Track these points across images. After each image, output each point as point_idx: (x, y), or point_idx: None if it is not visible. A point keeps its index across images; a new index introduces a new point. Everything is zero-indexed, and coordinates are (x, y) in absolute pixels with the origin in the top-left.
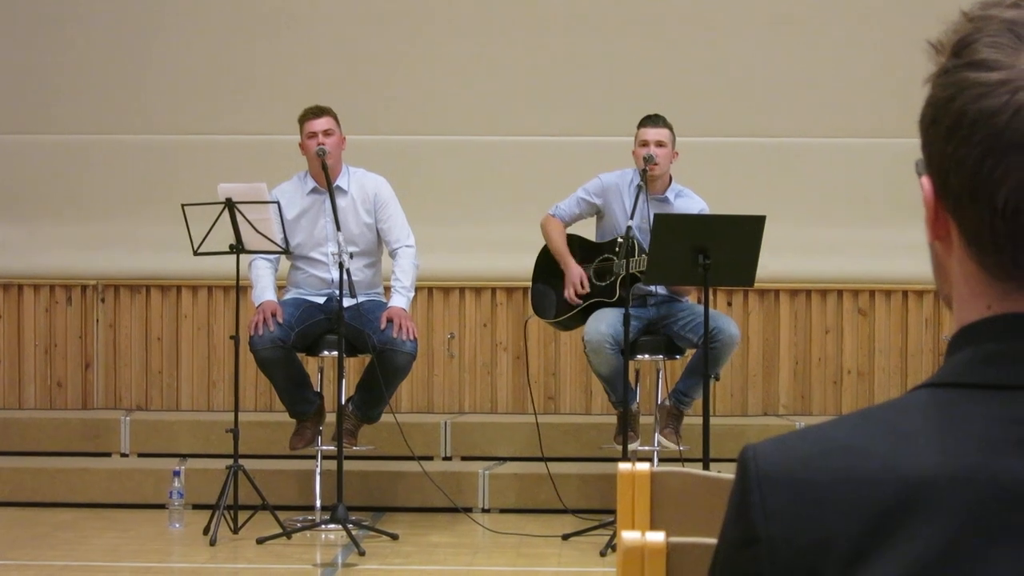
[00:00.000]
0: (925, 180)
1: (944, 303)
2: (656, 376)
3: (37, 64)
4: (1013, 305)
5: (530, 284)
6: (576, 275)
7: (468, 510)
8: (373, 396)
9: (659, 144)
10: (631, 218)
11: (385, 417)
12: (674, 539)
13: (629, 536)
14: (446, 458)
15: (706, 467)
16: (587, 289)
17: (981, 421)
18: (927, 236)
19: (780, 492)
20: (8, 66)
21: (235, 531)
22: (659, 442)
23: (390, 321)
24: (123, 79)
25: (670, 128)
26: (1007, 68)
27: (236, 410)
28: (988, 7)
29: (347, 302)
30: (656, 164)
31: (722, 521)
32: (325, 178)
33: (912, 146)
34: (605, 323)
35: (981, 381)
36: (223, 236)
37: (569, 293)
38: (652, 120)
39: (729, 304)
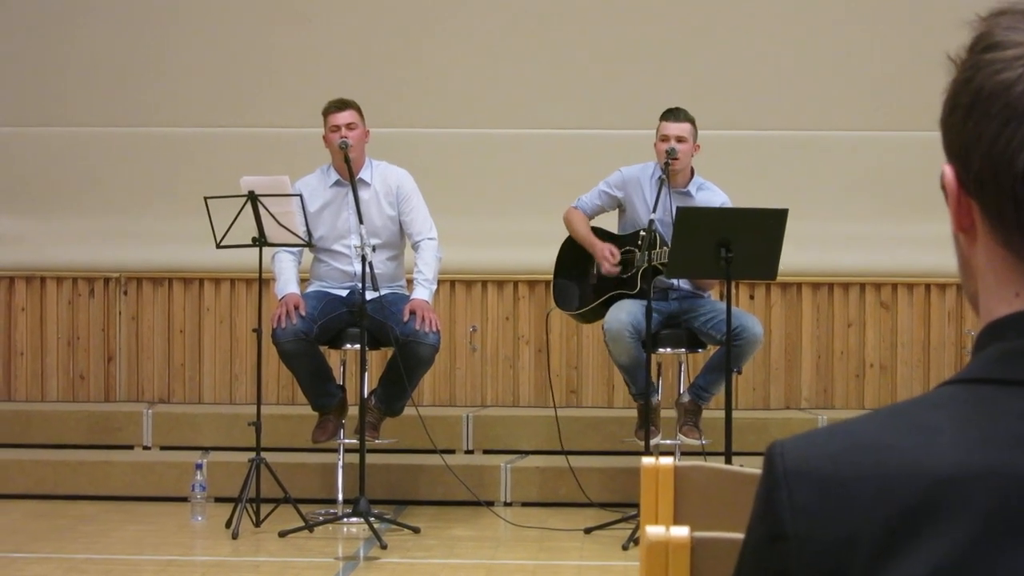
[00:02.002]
0: (947, 168)
1: (969, 302)
2: (678, 369)
3: (59, 56)
4: None
5: (552, 277)
6: (605, 248)
7: (490, 503)
8: (396, 389)
9: (680, 139)
10: (653, 211)
11: (407, 410)
12: (698, 534)
13: (653, 531)
14: (468, 451)
15: (728, 460)
16: (619, 258)
17: (1008, 417)
18: (952, 227)
19: (807, 489)
20: (30, 58)
21: (257, 524)
22: (681, 439)
23: (413, 313)
24: (145, 71)
25: (691, 122)
26: (1022, 45)
27: (258, 403)
28: (1002, 6)
29: (370, 295)
30: (677, 159)
31: (749, 517)
32: (348, 171)
33: (936, 139)
34: (626, 312)
35: (1008, 377)
36: (246, 229)
37: (605, 267)
38: (673, 114)
39: (751, 297)
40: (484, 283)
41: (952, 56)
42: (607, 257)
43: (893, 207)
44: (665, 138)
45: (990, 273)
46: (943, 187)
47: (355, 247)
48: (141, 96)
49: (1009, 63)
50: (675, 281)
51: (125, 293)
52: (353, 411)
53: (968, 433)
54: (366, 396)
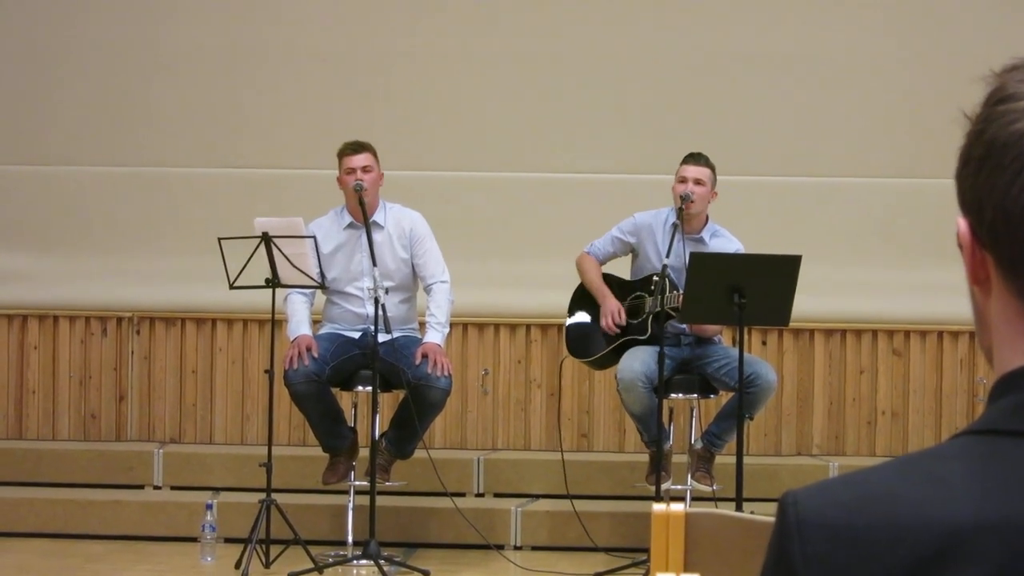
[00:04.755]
0: (961, 221)
1: (985, 355)
2: (690, 415)
3: (71, 96)
4: None
5: (564, 321)
6: (613, 307)
7: (500, 547)
8: (407, 432)
9: (697, 182)
10: (667, 256)
11: (418, 453)
12: None
13: None
14: (479, 495)
15: (739, 507)
16: (623, 321)
17: (1021, 469)
18: (967, 280)
19: (819, 539)
20: (42, 98)
21: (267, 565)
22: (692, 485)
23: (424, 356)
24: (159, 111)
25: (712, 168)
26: None
27: (269, 444)
28: (1016, 61)
29: (382, 337)
30: (692, 202)
31: (761, 567)
32: (362, 213)
33: (950, 186)
34: (639, 361)
35: (1022, 428)
36: (259, 270)
37: (606, 323)
38: (694, 158)
39: (764, 343)
40: (496, 326)
41: (968, 113)
42: (612, 314)
43: (906, 254)
44: (683, 180)
45: (1004, 325)
46: (959, 242)
47: (368, 289)
48: (156, 135)
49: (1022, 114)
50: (685, 327)
51: (138, 332)
52: (364, 453)
53: (982, 484)
54: (377, 438)
